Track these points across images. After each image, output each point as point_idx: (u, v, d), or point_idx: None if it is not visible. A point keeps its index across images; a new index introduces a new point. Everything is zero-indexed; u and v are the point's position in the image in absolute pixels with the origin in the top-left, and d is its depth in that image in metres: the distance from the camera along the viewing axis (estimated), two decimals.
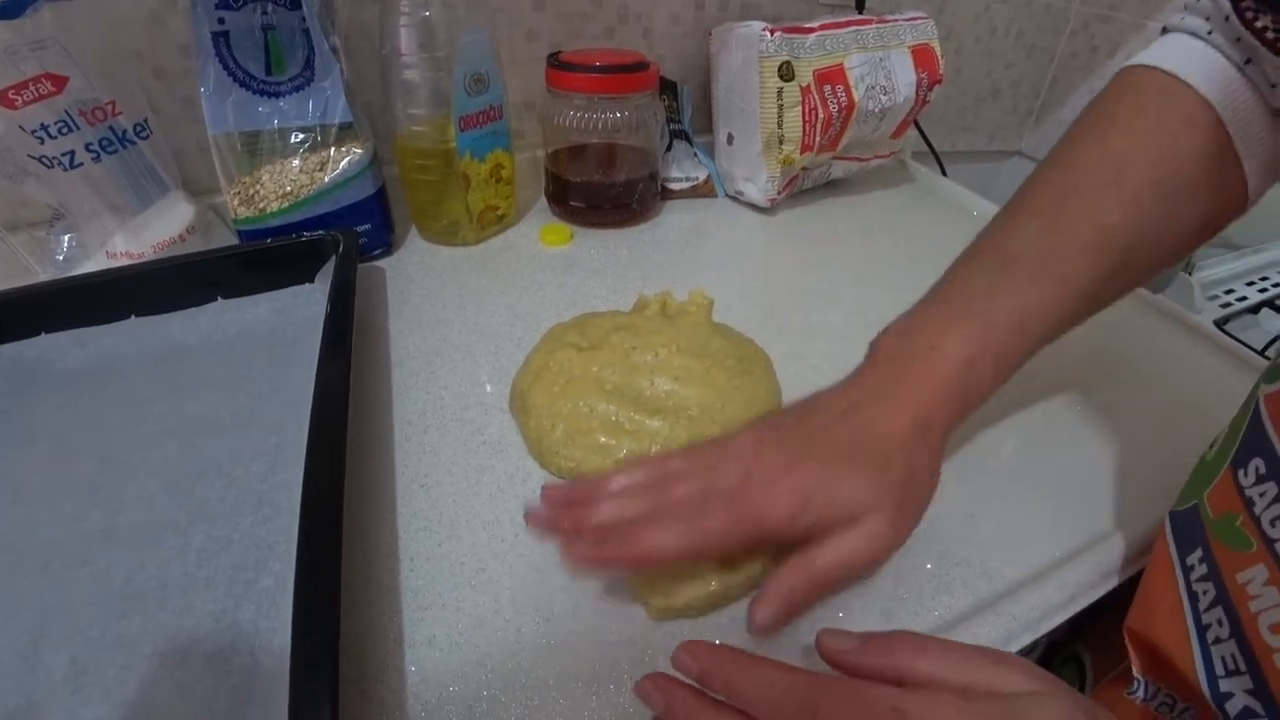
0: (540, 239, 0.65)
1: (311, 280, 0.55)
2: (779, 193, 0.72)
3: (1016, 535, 0.39)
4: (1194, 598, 0.31)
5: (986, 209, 0.78)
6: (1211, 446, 0.34)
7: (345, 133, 0.57)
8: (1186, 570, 0.32)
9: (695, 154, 0.77)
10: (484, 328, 0.53)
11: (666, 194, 0.75)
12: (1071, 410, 0.48)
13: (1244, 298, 1.09)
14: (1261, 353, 1.04)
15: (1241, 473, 0.29)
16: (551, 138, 0.68)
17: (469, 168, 0.60)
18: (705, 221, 0.72)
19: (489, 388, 0.47)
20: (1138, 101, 0.37)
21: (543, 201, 0.72)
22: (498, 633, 0.33)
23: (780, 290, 0.61)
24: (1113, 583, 0.38)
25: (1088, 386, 0.50)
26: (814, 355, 0.51)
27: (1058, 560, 0.38)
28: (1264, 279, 1.15)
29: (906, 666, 0.26)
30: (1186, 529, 0.33)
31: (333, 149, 0.57)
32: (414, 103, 0.57)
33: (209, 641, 0.31)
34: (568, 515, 0.33)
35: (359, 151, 0.58)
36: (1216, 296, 1.08)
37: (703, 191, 0.76)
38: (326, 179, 0.57)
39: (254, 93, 0.55)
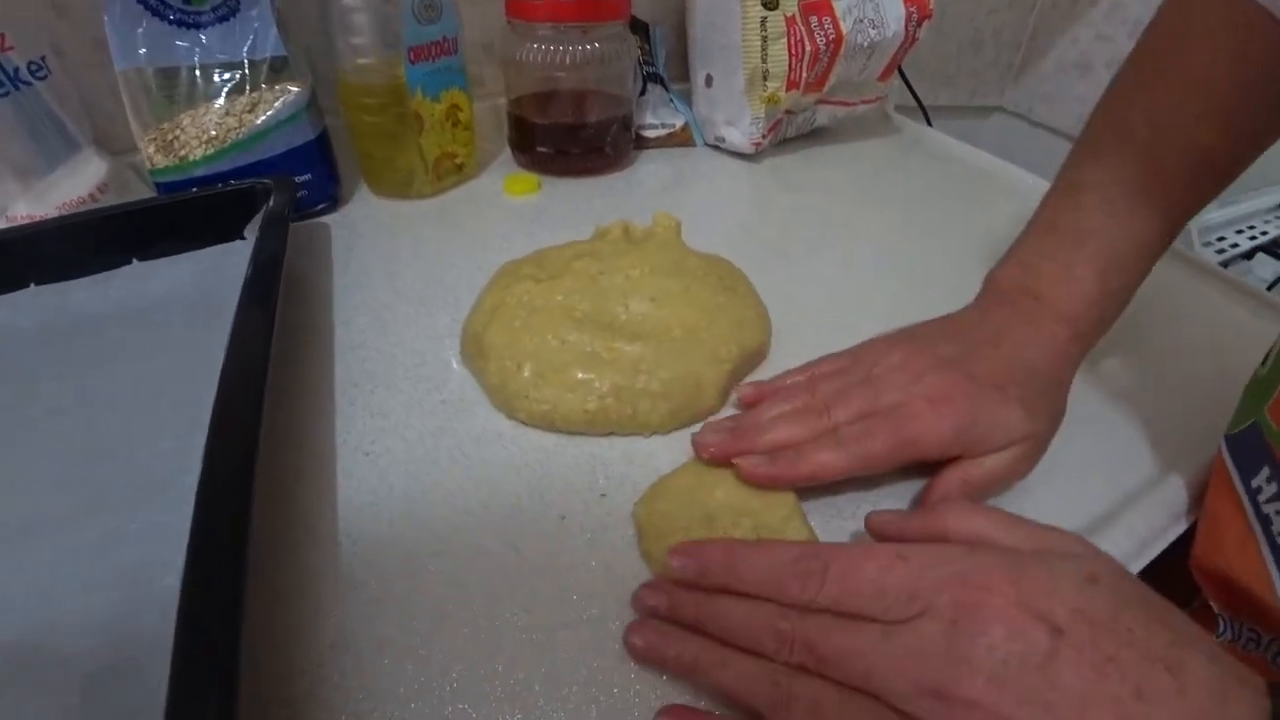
0: (505, 189, 0.59)
1: (243, 236, 0.48)
2: (764, 136, 0.67)
3: (1067, 487, 0.35)
4: (1265, 521, 0.29)
5: (975, 159, 0.74)
6: (1264, 361, 0.33)
7: (278, 70, 0.50)
8: (1253, 494, 0.30)
9: (671, 100, 0.71)
10: (442, 280, 0.47)
11: (641, 143, 0.69)
12: (1090, 359, 0.44)
13: (1236, 244, 1.07)
14: (1270, 288, 1.03)
15: None
16: (514, 83, 0.61)
17: (421, 107, 0.53)
18: (684, 171, 0.67)
19: (448, 341, 0.41)
20: (1205, 16, 0.35)
21: (507, 154, 0.65)
22: (465, 629, 0.27)
23: (768, 240, 0.56)
24: (1182, 525, 0.34)
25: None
26: (806, 305, 0.46)
27: (1116, 508, 0.34)
28: (1251, 227, 1.14)
29: (953, 526, 0.26)
30: (1247, 451, 0.32)
31: (264, 88, 0.50)
32: (356, 32, 0.50)
33: (99, 656, 0.24)
34: (737, 443, 0.32)
35: (295, 90, 0.51)
36: (1210, 244, 1.05)
37: (679, 140, 0.71)
38: (258, 121, 0.50)
39: (169, 23, 0.48)
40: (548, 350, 0.35)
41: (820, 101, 0.71)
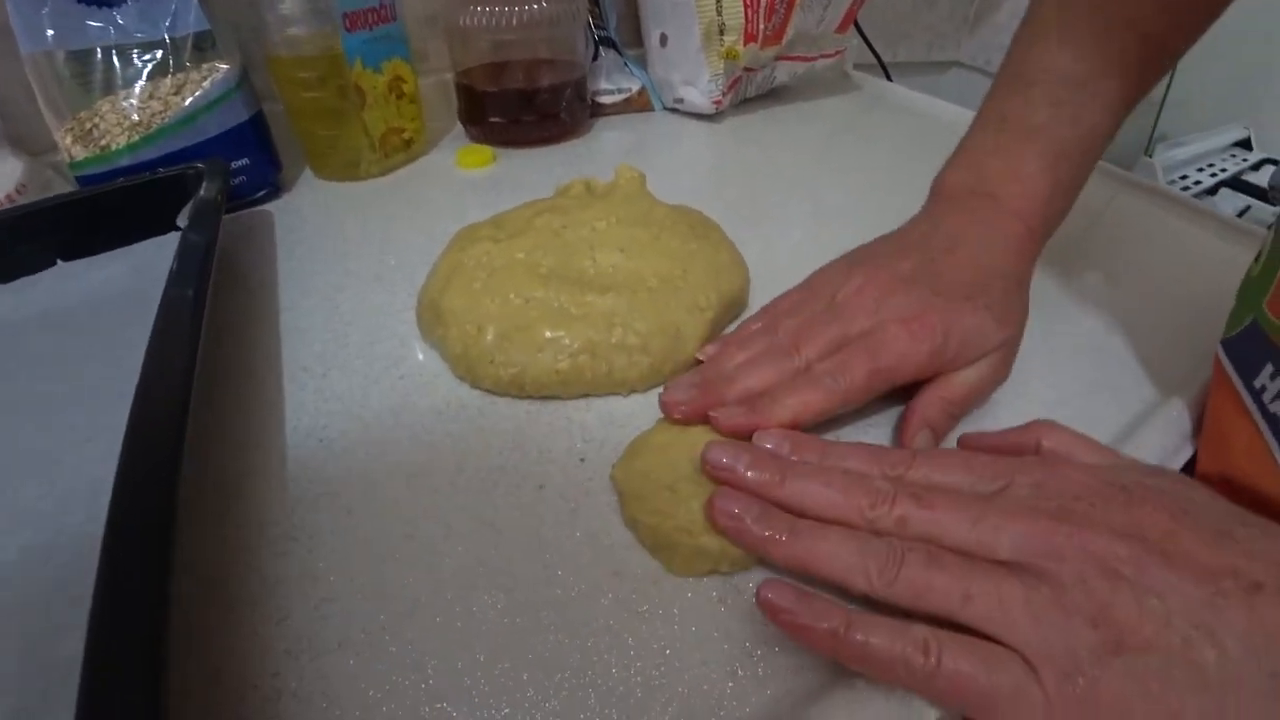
0: (457, 163, 0.56)
1: (177, 227, 0.44)
2: (724, 94, 0.64)
3: (1075, 415, 0.32)
4: (1274, 420, 0.29)
5: (938, 110, 0.72)
6: (1256, 259, 0.32)
7: (204, 47, 0.47)
8: (1257, 394, 0.30)
9: (625, 64, 0.69)
10: (396, 255, 0.44)
11: (598, 110, 0.66)
12: (1069, 292, 0.43)
13: (1199, 181, 1.08)
14: (1244, 212, 1.04)
15: None
16: (461, 54, 0.58)
17: (362, 79, 0.50)
18: (645, 136, 0.64)
19: (405, 315, 0.38)
20: None
21: (458, 130, 0.62)
22: (438, 618, 0.24)
23: (735, 196, 0.54)
24: (1192, 446, 0.33)
25: (1076, 266, 0.45)
26: (781, 257, 0.44)
27: (1127, 431, 0.33)
28: (1211, 165, 1.14)
29: (1046, 440, 0.27)
30: (1247, 351, 0.31)
31: (189, 67, 0.47)
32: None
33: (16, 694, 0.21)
34: (706, 396, 0.30)
35: (223, 68, 0.47)
36: (1174, 181, 1.06)
37: (637, 105, 0.68)
38: (185, 103, 0.46)
39: (78, 0, 0.44)
40: (511, 310, 0.32)
41: (779, 57, 0.69)
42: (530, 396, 0.32)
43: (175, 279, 0.34)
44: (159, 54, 0.46)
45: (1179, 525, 0.20)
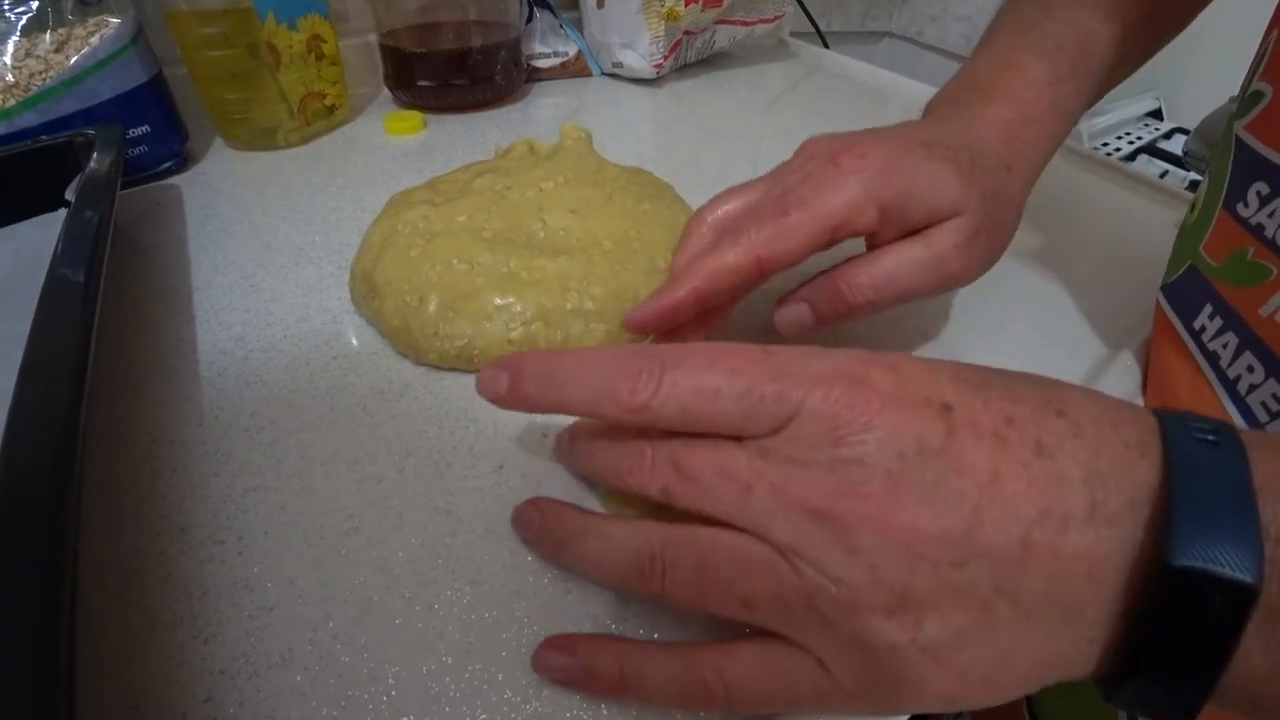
0: (386, 129, 0.52)
1: (67, 202, 0.39)
2: (664, 58, 0.62)
3: (1029, 368, 0.32)
4: (1213, 358, 0.30)
5: (875, 77, 0.72)
6: (1191, 209, 0.33)
7: (89, 0, 0.42)
8: (1196, 335, 0.31)
9: (561, 26, 0.65)
10: (322, 226, 0.40)
11: (534, 74, 0.63)
12: (1011, 251, 0.42)
13: (1119, 148, 1.12)
14: (1161, 177, 1.08)
15: (1241, 206, 0.28)
16: (385, 15, 0.54)
17: (276, 36, 0.46)
18: (584, 101, 0.61)
19: (335, 290, 0.35)
20: None
21: (385, 96, 0.58)
22: (396, 620, 0.21)
23: (681, 158, 0.52)
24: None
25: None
26: None
27: (1083, 382, 0.32)
28: (1129, 133, 1.19)
29: None
30: (1185, 294, 0.32)
31: (73, 21, 0.42)
32: None
33: None
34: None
35: (115, 22, 0.42)
36: (1097, 149, 1.09)
37: (575, 70, 0.65)
38: (70, 62, 0.41)
39: None
40: (454, 277, 0.29)
41: (719, 20, 0.67)
42: (480, 370, 0.30)
43: (62, 260, 0.30)
44: (34, 5, 0.41)
45: (999, 455, 0.17)
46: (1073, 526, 0.16)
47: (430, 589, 0.22)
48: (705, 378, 0.19)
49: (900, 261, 0.26)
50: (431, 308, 0.29)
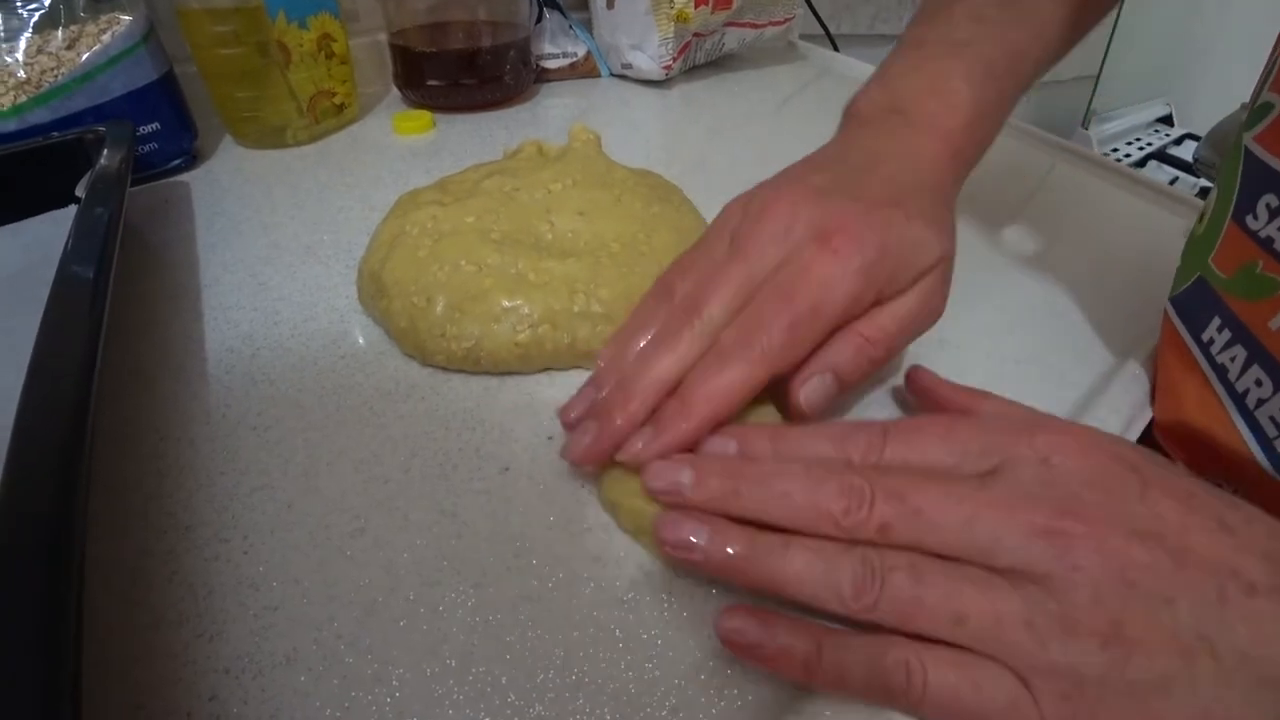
0: (394, 129, 0.52)
1: (77, 199, 0.39)
2: (673, 59, 0.62)
3: (1042, 375, 0.33)
4: (1221, 370, 0.29)
5: None
6: (1200, 220, 0.32)
7: None
8: (1205, 347, 0.30)
9: (571, 27, 0.65)
10: (330, 225, 0.40)
11: (543, 75, 0.63)
12: (1016, 258, 0.42)
13: (1128, 154, 1.11)
14: (1171, 183, 1.08)
15: (1250, 218, 0.28)
16: (395, 16, 0.54)
17: (287, 35, 0.46)
18: (592, 103, 0.61)
19: (343, 289, 0.35)
20: None
21: (393, 96, 0.58)
22: (400, 621, 0.21)
23: (690, 161, 0.51)
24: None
25: (1021, 232, 0.45)
26: None
27: (1095, 390, 0.32)
28: (1139, 139, 1.18)
29: (984, 404, 0.25)
30: (1193, 306, 0.32)
31: (85, 18, 0.42)
32: None
33: None
34: (605, 429, 0.24)
35: (126, 20, 0.43)
36: (1106, 155, 1.09)
37: (583, 71, 0.65)
38: (82, 59, 0.42)
39: None
40: (462, 278, 0.29)
41: (729, 23, 0.67)
42: (487, 372, 0.30)
43: (71, 257, 0.30)
44: (46, 2, 0.41)
45: (1190, 516, 0.18)
46: (1260, 594, 0.17)
47: (435, 591, 0.22)
48: (921, 438, 0.21)
49: (905, 311, 0.26)
50: (439, 309, 0.29)
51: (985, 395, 0.26)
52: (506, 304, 0.28)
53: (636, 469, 0.23)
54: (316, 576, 0.22)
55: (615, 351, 0.26)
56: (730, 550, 0.20)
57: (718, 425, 0.24)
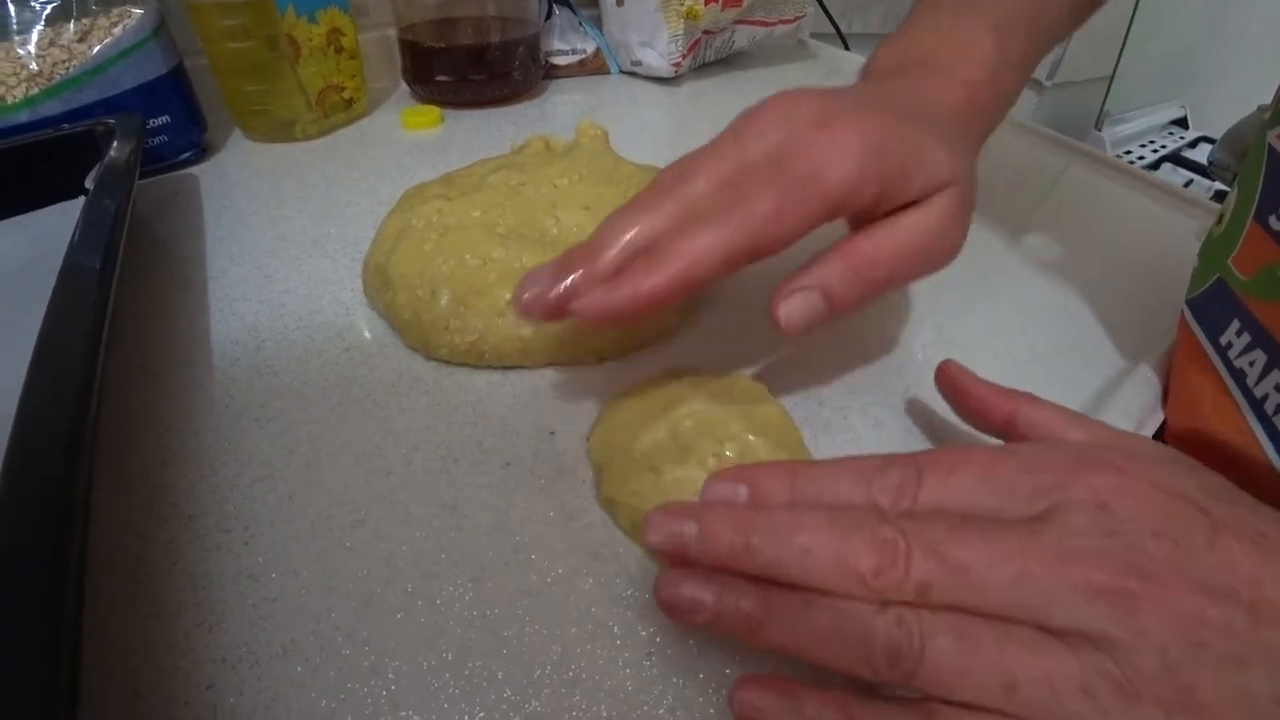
0: (403, 124, 0.52)
1: (86, 191, 0.40)
2: (683, 57, 0.62)
3: (1051, 376, 0.33)
4: (1239, 375, 0.29)
5: None
6: (1219, 221, 0.31)
7: None
8: (1223, 350, 0.30)
9: (580, 24, 0.65)
10: (338, 218, 0.40)
11: (552, 71, 0.63)
12: (1029, 258, 0.42)
13: (1142, 156, 1.10)
14: (1185, 186, 1.07)
15: (1273, 218, 0.27)
16: (404, 11, 0.54)
17: (296, 29, 0.46)
18: (601, 98, 0.61)
19: (348, 282, 0.35)
20: None
21: (402, 91, 0.58)
22: (398, 614, 0.21)
23: None
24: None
25: (1034, 233, 0.44)
26: None
27: (1105, 392, 0.32)
28: (1153, 141, 1.17)
29: (1022, 411, 0.23)
30: (1212, 309, 0.31)
31: (96, 11, 0.42)
32: None
33: None
34: (560, 272, 0.22)
35: (137, 13, 0.43)
36: (1120, 157, 1.08)
37: (593, 68, 0.65)
38: (93, 51, 0.42)
39: None
40: (467, 272, 0.29)
41: (739, 20, 0.67)
42: (490, 366, 0.30)
43: (78, 247, 0.30)
44: None
45: (1264, 564, 0.16)
46: None
47: (433, 584, 0.22)
48: (960, 479, 0.19)
49: (911, 230, 0.24)
50: (443, 302, 0.29)
51: (1028, 398, 0.24)
52: (510, 298, 0.28)
53: (634, 468, 0.23)
54: (316, 568, 0.23)
55: (598, 231, 0.24)
56: (743, 609, 0.18)
57: (687, 290, 0.22)
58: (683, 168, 0.24)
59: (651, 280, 0.21)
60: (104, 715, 0.19)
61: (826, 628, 0.17)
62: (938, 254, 0.25)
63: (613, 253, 0.22)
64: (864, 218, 0.25)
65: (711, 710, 0.20)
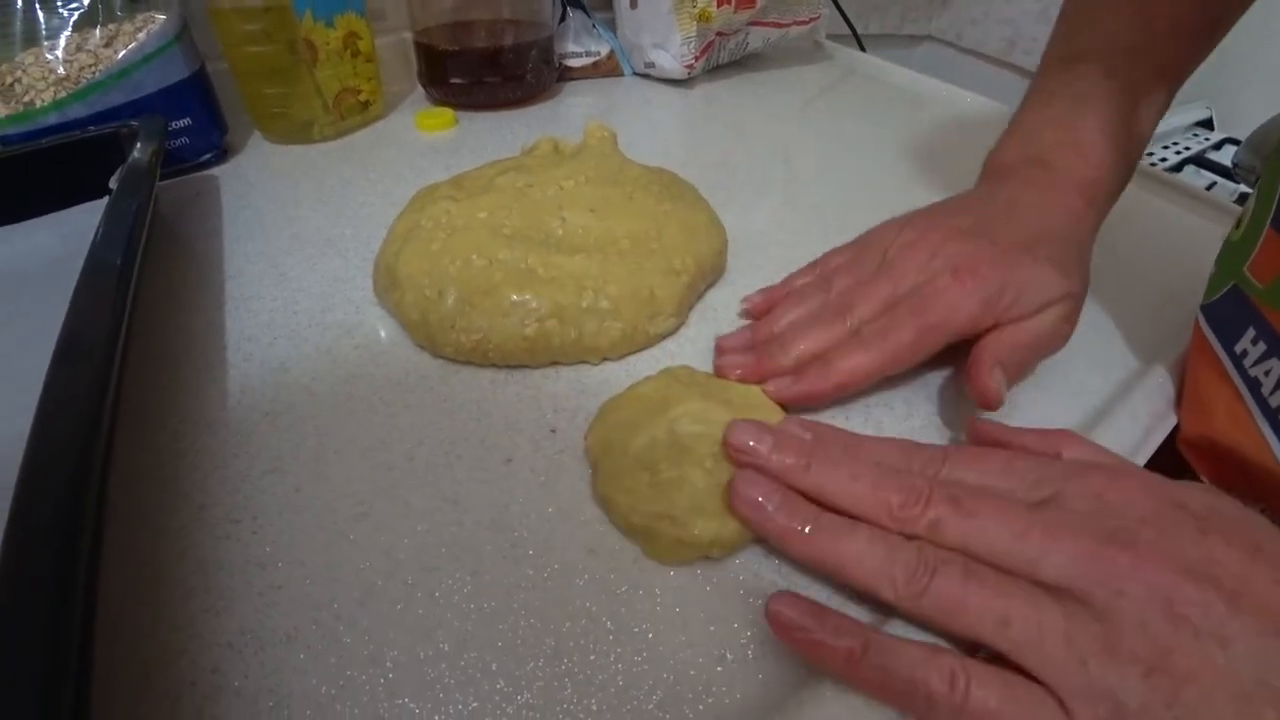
0: (417, 125, 0.53)
1: (111, 192, 0.41)
2: (695, 59, 0.62)
3: (1061, 383, 0.32)
4: (1254, 384, 0.29)
5: (912, 81, 0.71)
6: (1237, 226, 0.31)
7: None
8: (1237, 359, 0.30)
9: (594, 26, 0.66)
10: (351, 219, 0.41)
11: (565, 73, 0.63)
12: None
13: (1164, 159, 1.09)
14: (1209, 189, 1.05)
15: None
16: (420, 14, 0.55)
17: (314, 33, 0.47)
18: (614, 101, 0.62)
19: (359, 281, 0.35)
20: None
21: (417, 93, 0.59)
22: (398, 605, 0.22)
23: (710, 161, 0.51)
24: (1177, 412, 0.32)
25: None
26: (759, 223, 0.43)
27: (1115, 398, 0.32)
28: (1176, 143, 1.15)
29: (1066, 449, 0.24)
30: (1227, 316, 0.31)
31: (121, 17, 0.43)
32: None
33: None
34: (762, 362, 0.29)
35: (161, 19, 0.44)
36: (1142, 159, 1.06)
37: (606, 69, 0.65)
38: (119, 56, 0.43)
39: None
40: (473, 272, 0.30)
41: (753, 22, 0.67)
42: (494, 365, 0.30)
43: (101, 244, 0.31)
44: (85, 2, 0.42)
45: (1253, 566, 0.18)
46: None
47: (432, 576, 0.23)
48: (978, 461, 0.23)
49: (1025, 335, 0.29)
50: (450, 302, 0.29)
51: (1068, 436, 0.25)
52: (515, 298, 0.29)
53: (629, 466, 0.24)
54: (320, 558, 0.23)
55: (772, 311, 0.32)
56: (797, 521, 0.22)
57: (841, 395, 0.29)
58: (847, 294, 0.31)
59: (824, 384, 0.28)
60: (113, 695, 0.20)
61: (861, 543, 0.21)
62: (1051, 344, 0.31)
63: (800, 356, 0.29)
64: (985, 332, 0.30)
65: (701, 708, 0.20)
